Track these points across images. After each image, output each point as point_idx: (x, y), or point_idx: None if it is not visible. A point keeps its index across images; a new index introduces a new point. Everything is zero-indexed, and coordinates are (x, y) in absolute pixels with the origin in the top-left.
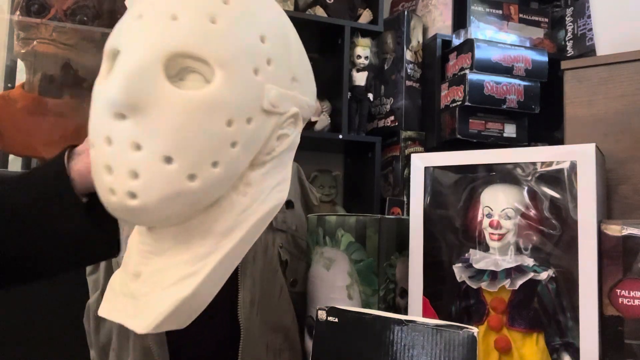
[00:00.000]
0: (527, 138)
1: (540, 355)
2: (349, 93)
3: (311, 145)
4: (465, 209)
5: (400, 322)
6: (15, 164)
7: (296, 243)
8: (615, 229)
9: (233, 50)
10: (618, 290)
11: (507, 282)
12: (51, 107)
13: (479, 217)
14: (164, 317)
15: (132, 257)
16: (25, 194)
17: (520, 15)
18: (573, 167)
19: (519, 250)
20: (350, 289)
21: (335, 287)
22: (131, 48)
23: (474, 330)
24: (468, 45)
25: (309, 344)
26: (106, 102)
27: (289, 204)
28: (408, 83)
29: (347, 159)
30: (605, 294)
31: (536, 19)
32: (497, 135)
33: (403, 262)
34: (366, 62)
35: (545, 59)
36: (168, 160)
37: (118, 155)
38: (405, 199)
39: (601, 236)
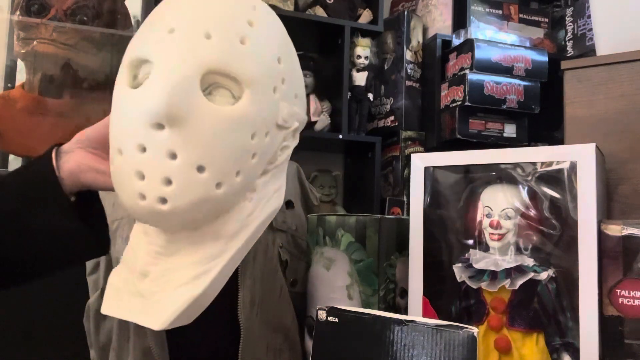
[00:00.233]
0: (527, 138)
1: (540, 355)
2: (349, 93)
3: (311, 145)
4: (465, 209)
5: (400, 322)
6: (15, 164)
7: (296, 243)
8: (615, 229)
9: (259, 70)
10: (618, 290)
11: (507, 282)
12: (51, 107)
13: (479, 217)
14: (179, 313)
15: (139, 257)
16: (12, 195)
17: (520, 15)
18: (573, 167)
19: (519, 250)
20: (350, 289)
21: (335, 287)
22: (169, 62)
23: (474, 330)
24: (468, 45)
25: (309, 344)
26: (145, 112)
27: (289, 204)
28: (408, 83)
29: (347, 159)
30: (605, 294)
31: (536, 19)
32: (497, 135)
33: (403, 262)
34: (366, 62)
35: (545, 59)
36: (200, 169)
37: (153, 163)
38: (405, 199)
39: (601, 236)
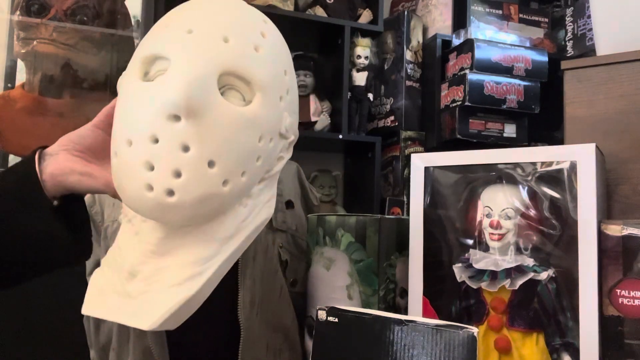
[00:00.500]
0: (527, 138)
1: (540, 356)
2: (349, 93)
3: (311, 145)
4: (465, 209)
5: (400, 322)
6: None
7: (296, 243)
8: (615, 229)
9: (270, 77)
10: (618, 290)
11: (507, 282)
12: (51, 107)
13: (479, 217)
14: (170, 315)
15: (128, 258)
16: None
17: (520, 15)
18: (573, 167)
19: (519, 250)
20: (350, 289)
21: (335, 287)
22: (188, 58)
23: (474, 330)
24: (468, 45)
25: (309, 344)
26: (164, 102)
27: (289, 204)
28: (408, 83)
29: (347, 159)
30: (605, 294)
31: (536, 19)
32: (497, 135)
33: (403, 262)
34: (366, 62)
35: (545, 59)
36: (211, 164)
37: (164, 154)
38: (405, 199)
39: (601, 236)
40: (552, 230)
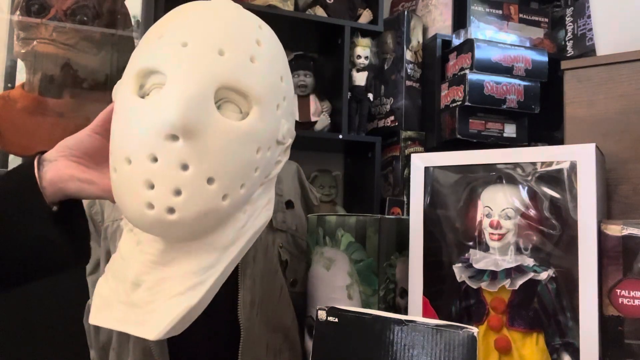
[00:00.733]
0: (527, 138)
1: (540, 356)
2: (349, 93)
3: (311, 145)
4: (465, 209)
5: (400, 322)
6: (15, 164)
7: (296, 243)
8: (615, 229)
9: (266, 88)
10: (618, 290)
11: (507, 282)
12: (51, 107)
13: (479, 217)
14: (175, 324)
15: (131, 267)
16: None
17: (520, 15)
18: (573, 167)
19: (519, 250)
20: (350, 289)
21: (335, 287)
22: (184, 75)
23: (474, 330)
24: (468, 45)
25: (309, 344)
26: (160, 123)
27: (289, 204)
28: (408, 83)
29: (347, 159)
30: (605, 294)
31: (536, 19)
32: (497, 135)
33: (403, 262)
34: (366, 62)
35: (545, 59)
36: (210, 181)
37: (164, 173)
38: (405, 199)
39: (601, 236)
40: (552, 230)
